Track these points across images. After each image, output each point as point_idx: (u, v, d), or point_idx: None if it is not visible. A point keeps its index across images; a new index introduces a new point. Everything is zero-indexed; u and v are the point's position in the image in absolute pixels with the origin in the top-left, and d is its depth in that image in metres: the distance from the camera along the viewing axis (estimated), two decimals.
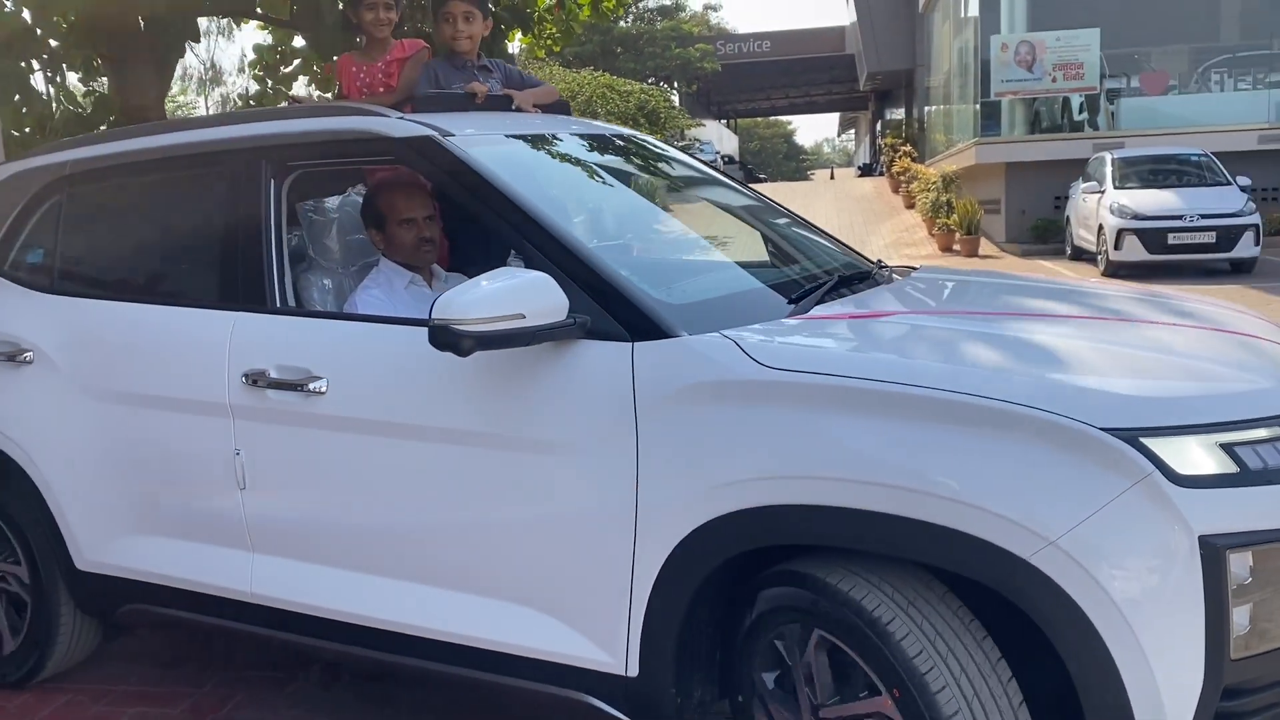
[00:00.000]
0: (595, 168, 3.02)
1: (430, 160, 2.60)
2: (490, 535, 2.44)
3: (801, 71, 50.78)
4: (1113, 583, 1.86)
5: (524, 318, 2.23)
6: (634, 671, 2.33)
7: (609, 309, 2.33)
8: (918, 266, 3.17)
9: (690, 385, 2.20)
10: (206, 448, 2.79)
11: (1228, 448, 1.94)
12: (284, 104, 3.68)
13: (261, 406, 2.69)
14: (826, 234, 3.39)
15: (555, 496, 2.34)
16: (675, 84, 31.08)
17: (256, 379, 2.67)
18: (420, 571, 2.56)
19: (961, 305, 2.73)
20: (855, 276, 2.85)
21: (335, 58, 3.89)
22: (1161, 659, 1.87)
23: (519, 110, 3.26)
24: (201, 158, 2.91)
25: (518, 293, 2.24)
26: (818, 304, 2.54)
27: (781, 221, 3.35)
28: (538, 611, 2.43)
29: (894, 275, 2.98)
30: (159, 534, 2.95)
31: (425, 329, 2.52)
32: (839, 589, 2.08)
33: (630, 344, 2.29)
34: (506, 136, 2.85)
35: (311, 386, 2.60)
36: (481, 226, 3.48)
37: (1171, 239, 13.92)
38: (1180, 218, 13.96)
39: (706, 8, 41.83)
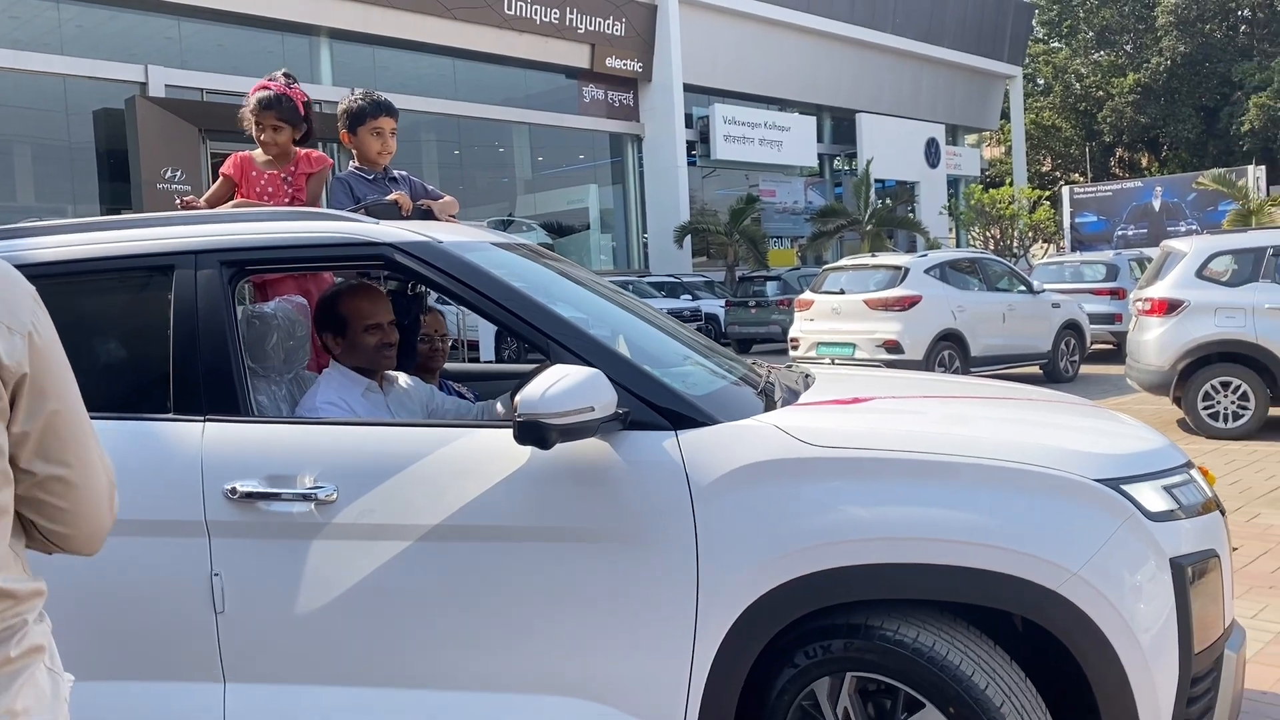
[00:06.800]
0: (546, 274, 3.16)
1: (434, 265, 2.64)
2: (541, 631, 2.48)
3: None
4: (1120, 601, 2.34)
5: (593, 410, 2.36)
6: None
7: (648, 402, 2.51)
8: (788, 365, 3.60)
9: (745, 466, 2.43)
10: (172, 573, 2.55)
11: (1168, 489, 2.52)
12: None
13: (250, 521, 2.53)
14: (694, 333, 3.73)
15: (614, 585, 2.45)
16: None
17: (246, 492, 2.51)
18: (459, 677, 2.51)
19: (908, 391, 3.19)
20: (778, 374, 3.23)
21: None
22: (1155, 660, 2.37)
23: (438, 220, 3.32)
24: (151, 261, 2.69)
25: (586, 387, 2.36)
26: (786, 397, 2.87)
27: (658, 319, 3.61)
28: (587, 700, 2.49)
29: (807, 371, 3.39)
30: (98, 677, 2.60)
31: (461, 429, 2.59)
32: (899, 635, 2.39)
33: (674, 433, 2.49)
34: (478, 243, 2.94)
35: (320, 496, 2.50)
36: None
37: None
38: None
39: None
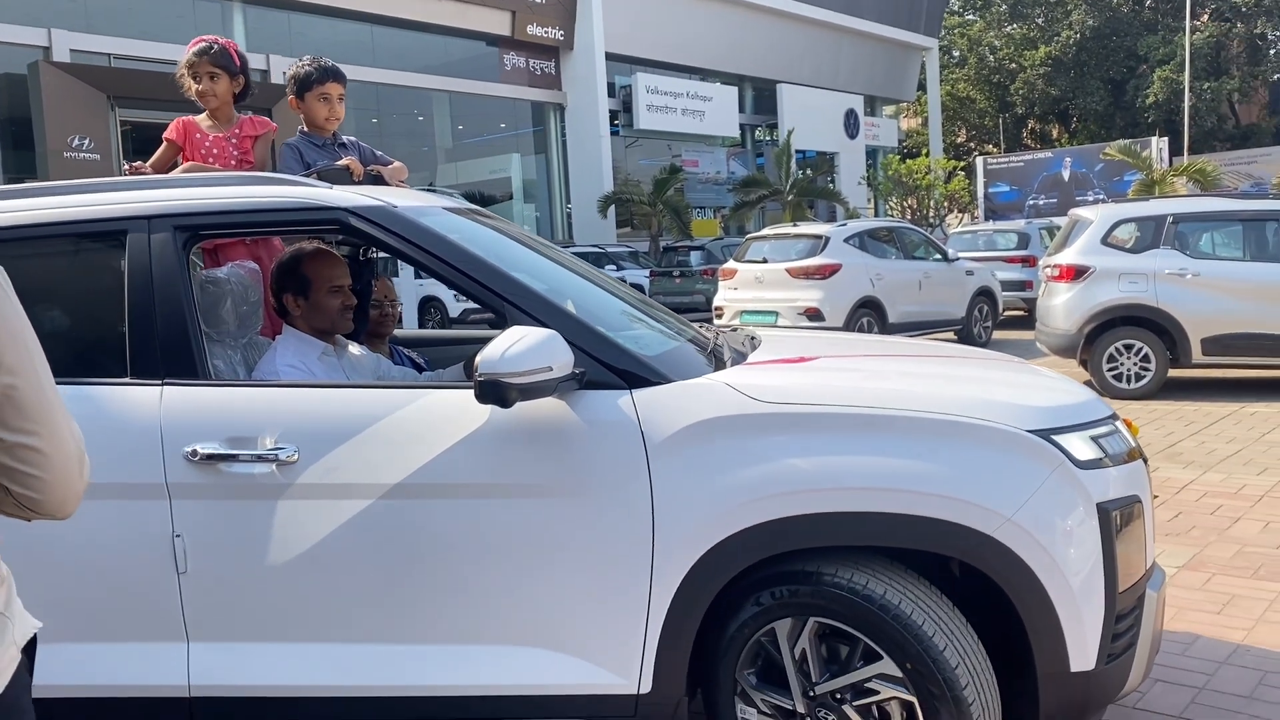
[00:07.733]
0: (498, 239, 3.20)
1: (389, 229, 2.67)
2: (500, 584, 2.55)
3: None
4: (1051, 544, 2.49)
5: (551, 370, 2.43)
6: (646, 688, 2.57)
7: (604, 362, 2.59)
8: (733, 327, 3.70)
9: (698, 423, 2.53)
10: (133, 535, 2.56)
11: (1095, 439, 2.68)
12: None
13: (211, 483, 2.55)
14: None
15: (572, 539, 2.53)
16: None
17: (206, 454, 2.53)
18: (420, 631, 2.58)
19: (850, 351, 3.31)
20: (721, 335, 3.33)
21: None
22: (1084, 599, 2.53)
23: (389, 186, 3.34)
24: (104, 226, 2.68)
25: (544, 348, 2.43)
26: (734, 357, 2.97)
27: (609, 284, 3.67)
28: (547, 649, 2.58)
29: (751, 334, 3.49)
30: (61, 640, 2.61)
31: (418, 389, 2.64)
32: (867, 590, 2.49)
33: (628, 391, 2.57)
34: (432, 208, 2.97)
35: (281, 456, 2.53)
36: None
37: None
38: None
39: None
